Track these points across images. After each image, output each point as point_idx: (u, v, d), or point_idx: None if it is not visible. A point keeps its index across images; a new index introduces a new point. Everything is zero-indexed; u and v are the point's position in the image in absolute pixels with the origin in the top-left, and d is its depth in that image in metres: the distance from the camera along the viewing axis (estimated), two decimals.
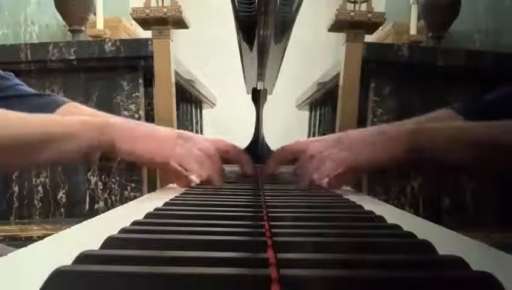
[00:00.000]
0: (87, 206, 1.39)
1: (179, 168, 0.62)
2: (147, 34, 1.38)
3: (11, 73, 0.82)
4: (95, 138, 0.60)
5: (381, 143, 0.60)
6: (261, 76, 1.18)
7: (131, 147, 0.61)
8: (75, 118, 0.62)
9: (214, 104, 2.43)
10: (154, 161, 0.63)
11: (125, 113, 1.38)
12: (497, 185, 1.29)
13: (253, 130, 1.37)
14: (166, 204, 0.46)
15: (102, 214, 0.43)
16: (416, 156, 0.60)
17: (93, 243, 0.27)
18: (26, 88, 0.81)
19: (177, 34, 1.38)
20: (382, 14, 1.29)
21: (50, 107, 0.77)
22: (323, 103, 1.96)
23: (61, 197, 1.39)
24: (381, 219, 0.38)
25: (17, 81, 0.81)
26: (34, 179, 1.38)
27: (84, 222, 0.37)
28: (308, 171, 0.63)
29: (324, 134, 1.86)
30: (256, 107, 1.37)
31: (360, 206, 0.46)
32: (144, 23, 1.30)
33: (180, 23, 1.31)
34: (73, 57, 1.39)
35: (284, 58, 1.03)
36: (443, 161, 0.61)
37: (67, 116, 0.64)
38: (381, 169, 0.68)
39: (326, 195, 0.58)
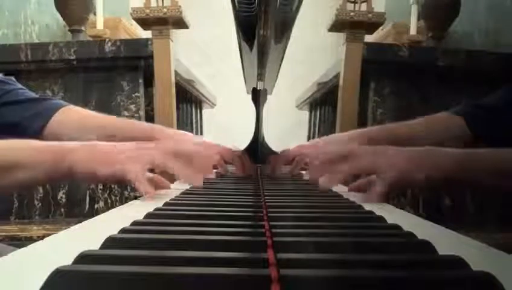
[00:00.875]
0: (87, 206, 1.39)
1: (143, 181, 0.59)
2: (147, 34, 1.38)
3: (11, 77, 0.82)
4: (52, 166, 0.58)
5: (431, 163, 0.58)
6: (261, 76, 1.18)
7: (91, 171, 0.58)
8: (34, 145, 0.60)
9: (214, 104, 2.43)
10: (119, 181, 0.60)
11: (125, 113, 1.38)
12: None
13: (253, 130, 1.37)
14: (166, 204, 0.46)
15: (102, 214, 0.43)
16: (461, 180, 0.59)
17: (93, 243, 0.27)
18: (27, 93, 0.81)
19: (177, 34, 1.38)
20: (382, 14, 1.29)
21: (49, 110, 0.78)
22: (323, 103, 1.96)
23: (61, 197, 1.39)
24: (381, 219, 0.38)
25: (18, 85, 0.82)
26: None
27: (84, 222, 0.37)
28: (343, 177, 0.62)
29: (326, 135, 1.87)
30: (256, 107, 1.36)
31: (360, 206, 0.46)
32: (144, 23, 1.30)
33: (180, 23, 1.32)
34: (73, 57, 1.39)
35: (284, 58, 1.03)
36: (483, 187, 0.61)
37: (19, 141, 0.61)
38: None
39: (326, 195, 0.58)
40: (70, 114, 0.80)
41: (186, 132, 0.92)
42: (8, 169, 0.57)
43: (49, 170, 0.58)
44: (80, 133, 0.77)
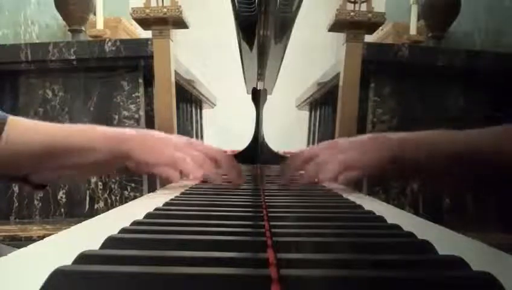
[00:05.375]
0: (87, 206, 1.39)
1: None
2: (147, 34, 1.38)
3: None
4: (114, 152, 0.61)
5: (371, 148, 0.60)
6: (261, 76, 1.18)
7: (146, 157, 0.62)
8: (96, 130, 0.63)
9: (214, 104, 2.43)
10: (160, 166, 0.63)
11: (125, 113, 1.39)
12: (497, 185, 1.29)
13: (253, 130, 1.37)
14: (166, 204, 0.46)
15: (102, 214, 0.43)
16: (400, 165, 0.59)
17: (93, 243, 0.27)
18: None
19: (177, 34, 1.38)
20: (382, 14, 1.29)
21: None
22: (323, 103, 1.96)
23: (61, 197, 1.39)
24: (381, 219, 0.38)
25: None
26: None
27: (84, 222, 0.37)
28: (307, 173, 0.64)
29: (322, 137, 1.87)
30: (256, 107, 1.37)
31: (360, 206, 0.46)
32: (144, 23, 1.30)
33: (180, 23, 1.31)
34: (73, 57, 1.39)
35: (284, 58, 1.03)
36: (424, 171, 0.61)
37: (87, 126, 0.64)
38: (370, 174, 0.67)
39: (326, 195, 0.58)
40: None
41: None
42: (84, 152, 0.60)
43: (111, 155, 0.61)
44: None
